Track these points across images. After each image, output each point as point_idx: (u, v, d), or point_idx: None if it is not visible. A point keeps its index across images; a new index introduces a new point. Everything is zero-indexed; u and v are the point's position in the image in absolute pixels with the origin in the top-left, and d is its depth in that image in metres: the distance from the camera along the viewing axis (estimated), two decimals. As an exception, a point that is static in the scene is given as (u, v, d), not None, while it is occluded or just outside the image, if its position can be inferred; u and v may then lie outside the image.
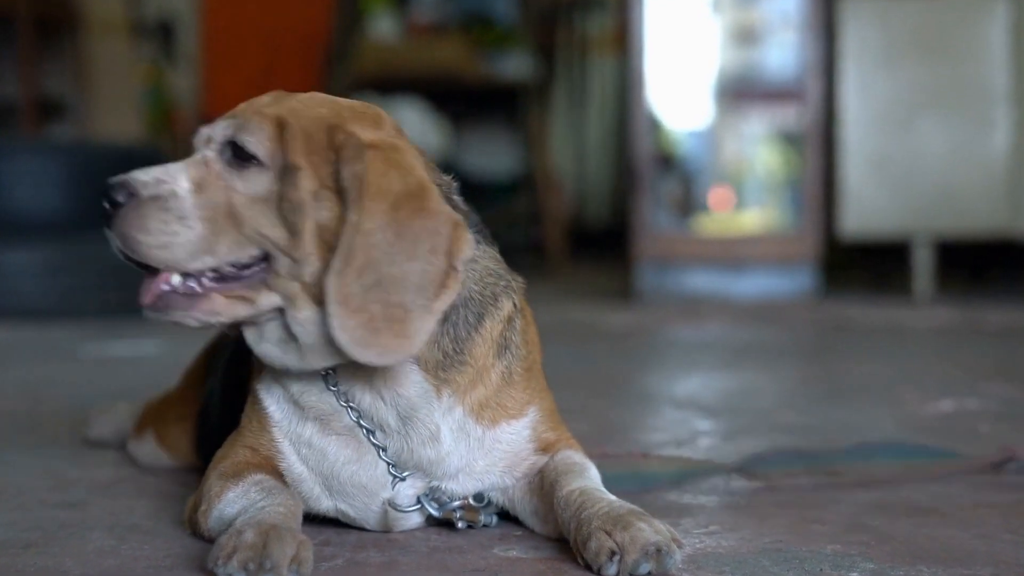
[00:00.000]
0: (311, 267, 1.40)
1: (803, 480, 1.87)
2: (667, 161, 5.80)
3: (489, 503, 1.58)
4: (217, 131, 1.47)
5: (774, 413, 2.66)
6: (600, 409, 2.69)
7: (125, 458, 2.10)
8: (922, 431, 2.37)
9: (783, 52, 5.59)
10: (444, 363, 1.48)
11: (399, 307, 1.38)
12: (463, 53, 7.16)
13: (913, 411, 2.64)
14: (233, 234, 1.42)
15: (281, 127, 1.43)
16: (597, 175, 8.87)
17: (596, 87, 8.80)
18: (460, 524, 1.55)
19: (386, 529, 1.56)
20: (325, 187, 1.41)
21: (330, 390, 1.49)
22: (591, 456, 1.63)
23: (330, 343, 1.40)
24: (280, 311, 1.43)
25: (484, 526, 1.57)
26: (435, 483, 1.53)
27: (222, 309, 1.43)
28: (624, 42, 6.39)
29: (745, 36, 5.72)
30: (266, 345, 1.46)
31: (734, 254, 5.53)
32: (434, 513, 1.53)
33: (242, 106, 1.49)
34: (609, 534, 1.37)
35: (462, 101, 7.53)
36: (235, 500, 1.48)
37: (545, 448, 1.58)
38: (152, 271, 1.44)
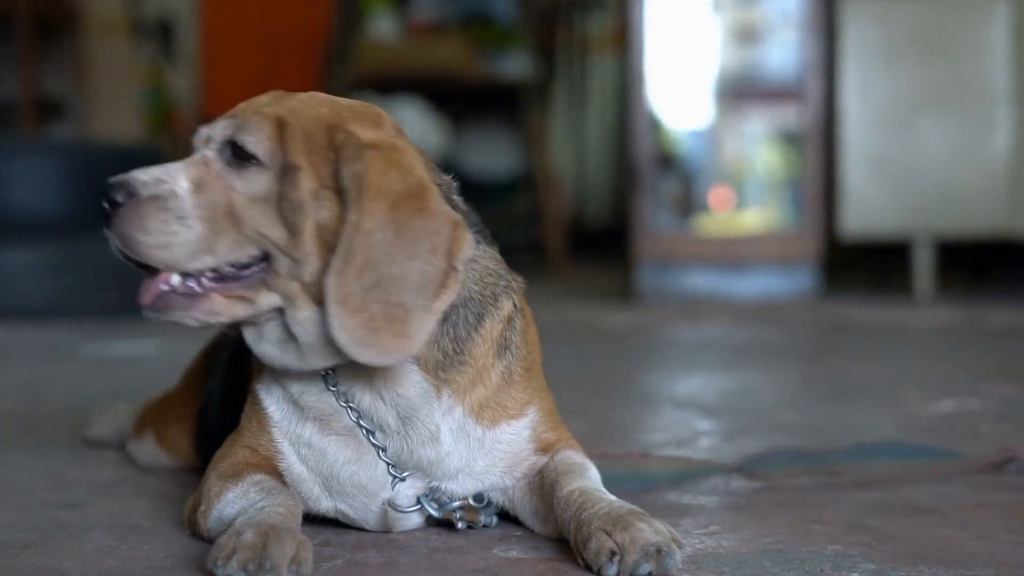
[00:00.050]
0: (311, 267, 1.40)
1: (803, 480, 1.87)
2: (667, 161, 5.79)
3: (489, 503, 1.58)
4: (216, 131, 1.46)
5: (774, 413, 2.66)
6: (600, 409, 2.69)
7: (124, 458, 2.10)
8: (923, 431, 2.37)
9: (784, 52, 5.58)
10: (444, 363, 1.48)
11: (399, 307, 1.37)
12: (463, 53, 7.16)
13: (914, 411, 2.64)
14: (233, 234, 1.41)
15: (281, 127, 1.43)
16: (597, 175, 8.87)
17: (596, 87, 8.80)
18: (460, 524, 1.54)
19: (386, 529, 1.56)
20: (325, 187, 1.40)
21: (330, 390, 1.49)
22: (591, 456, 1.62)
23: (330, 343, 1.40)
24: (280, 311, 1.43)
25: (484, 526, 1.57)
26: (435, 483, 1.53)
27: (222, 309, 1.43)
28: (624, 42, 6.39)
29: (745, 35, 5.71)
30: (265, 345, 1.46)
31: (734, 254, 5.53)
32: (434, 513, 1.53)
33: (241, 106, 1.49)
34: (609, 534, 1.37)
35: (462, 101, 7.52)
36: (234, 500, 1.48)
37: (545, 448, 1.58)
38: (151, 271, 1.43)
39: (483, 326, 1.51)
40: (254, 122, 1.43)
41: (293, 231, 1.40)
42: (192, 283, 1.43)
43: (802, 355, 3.95)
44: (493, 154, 7.72)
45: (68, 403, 2.74)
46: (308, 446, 1.52)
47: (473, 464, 1.53)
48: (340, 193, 1.40)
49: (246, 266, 1.43)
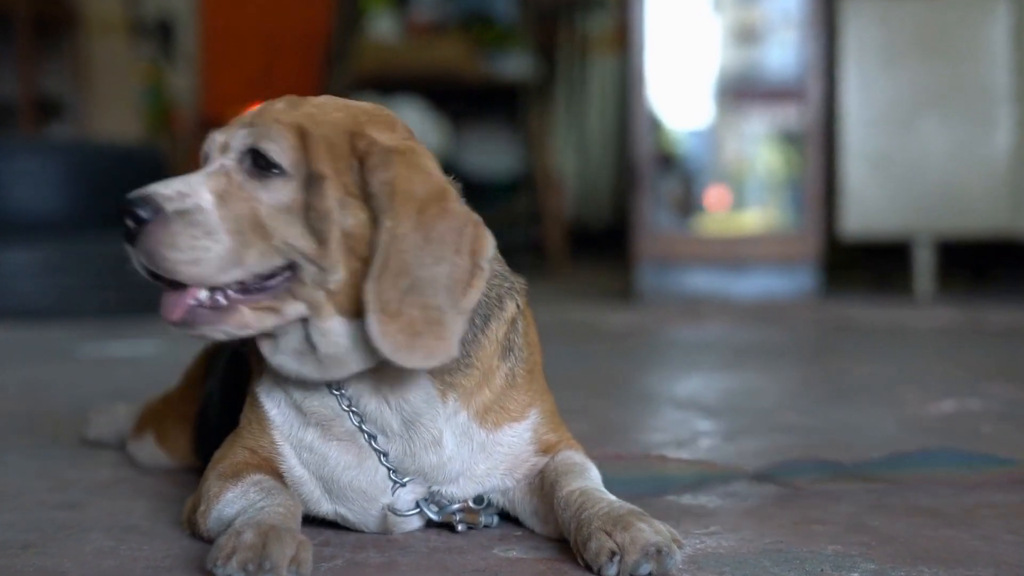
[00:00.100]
0: (337, 275, 1.39)
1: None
2: (667, 161, 5.79)
3: (489, 504, 1.58)
4: (236, 139, 1.44)
5: (775, 413, 2.66)
6: (600, 409, 2.68)
7: (124, 459, 2.10)
8: (924, 431, 2.36)
9: (784, 51, 5.58)
10: (451, 366, 1.47)
11: (435, 309, 1.38)
12: (463, 52, 7.16)
13: (914, 411, 2.64)
14: (261, 245, 1.40)
15: (303, 135, 1.41)
16: (597, 175, 8.87)
17: (596, 87, 8.80)
18: (460, 527, 1.54)
19: (385, 532, 1.56)
20: (349, 194, 1.40)
21: (333, 394, 1.48)
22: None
23: (355, 352, 1.40)
24: (303, 321, 1.42)
25: (485, 527, 1.57)
26: (435, 487, 1.53)
27: (251, 321, 1.41)
28: (624, 42, 6.39)
29: (746, 35, 5.71)
30: (282, 356, 1.45)
31: (735, 254, 5.52)
32: (433, 517, 1.53)
33: (257, 112, 1.47)
34: (609, 535, 1.36)
35: (462, 101, 7.52)
36: (234, 500, 1.47)
37: (546, 449, 1.58)
38: (175, 285, 1.41)
39: (489, 328, 1.51)
40: (276, 130, 1.41)
41: (320, 240, 1.39)
42: (219, 296, 1.41)
43: (802, 355, 3.95)
44: (493, 154, 7.72)
45: (67, 403, 2.73)
46: (309, 450, 1.52)
47: (474, 467, 1.53)
48: (365, 200, 1.39)
49: (270, 276, 1.41)
